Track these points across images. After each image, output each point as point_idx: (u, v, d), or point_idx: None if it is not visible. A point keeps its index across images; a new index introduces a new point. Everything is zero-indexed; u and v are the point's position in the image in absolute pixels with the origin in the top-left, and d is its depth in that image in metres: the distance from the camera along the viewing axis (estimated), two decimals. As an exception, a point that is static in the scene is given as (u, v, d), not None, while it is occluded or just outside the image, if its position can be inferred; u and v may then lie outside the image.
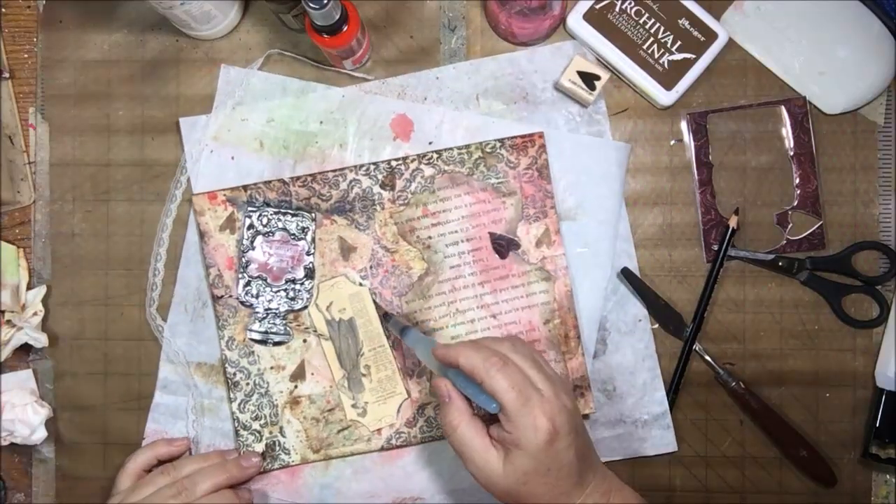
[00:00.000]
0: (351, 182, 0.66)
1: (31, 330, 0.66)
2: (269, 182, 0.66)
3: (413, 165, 0.66)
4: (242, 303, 0.66)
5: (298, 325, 0.66)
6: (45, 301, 0.68)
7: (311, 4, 0.56)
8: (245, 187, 0.66)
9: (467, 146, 0.66)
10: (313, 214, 0.66)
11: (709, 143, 0.68)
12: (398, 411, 0.66)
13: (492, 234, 0.66)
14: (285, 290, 0.66)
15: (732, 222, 0.66)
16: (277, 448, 0.66)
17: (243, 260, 0.66)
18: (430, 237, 0.66)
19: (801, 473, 0.67)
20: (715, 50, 0.66)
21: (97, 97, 0.69)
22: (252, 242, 0.65)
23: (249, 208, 0.66)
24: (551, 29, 0.66)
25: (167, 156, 0.68)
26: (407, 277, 0.66)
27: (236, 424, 0.66)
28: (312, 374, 0.66)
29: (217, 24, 0.66)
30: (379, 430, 0.66)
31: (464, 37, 0.68)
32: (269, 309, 0.66)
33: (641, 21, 0.66)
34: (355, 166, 0.66)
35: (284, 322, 0.66)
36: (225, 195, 0.66)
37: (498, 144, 0.66)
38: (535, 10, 0.64)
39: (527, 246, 0.66)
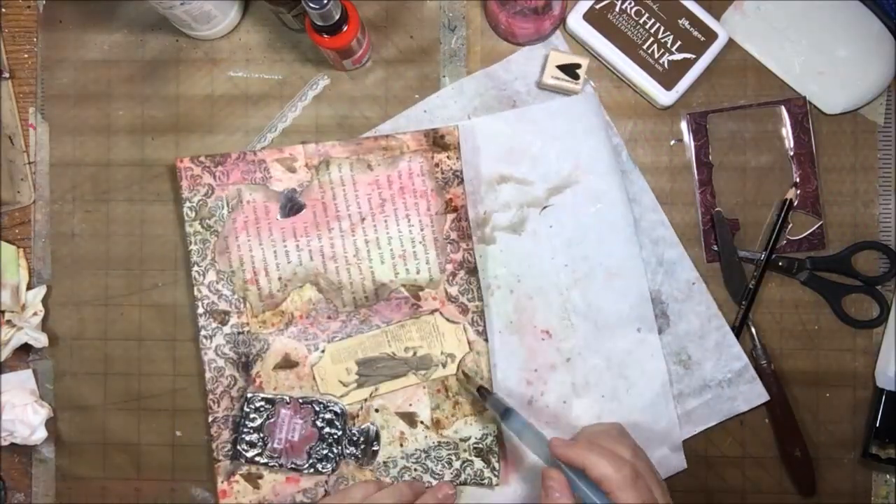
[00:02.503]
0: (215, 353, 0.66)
1: (31, 330, 0.66)
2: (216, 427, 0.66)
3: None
4: (342, 458, 0.65)
5: (361, 419, 0.66)
6: (45, 301, 0.68)
7: (311, 4, 0.56)
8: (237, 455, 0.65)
9: None
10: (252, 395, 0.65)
11: (709, 143, 0.68)
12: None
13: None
14: (324, 439, 0.65)
15: (790, 194, 0.66)
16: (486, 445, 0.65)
17: (289, 463, 0.65)
18: (270, 283, 0.66)
19: (787, 474, 0.67)
20: (715, 50, 0.66)
21: (97, 97, 0.69)
22: (274, 459, 0.65)
23: (238, 462, 0.65)
24: (552, 29, 0.66)
25: (167, 156, 0.68)
26: (327, 310, 0.66)
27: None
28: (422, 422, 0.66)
29: (217, 24, 0.66)
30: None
31: (464, 37, 0.68)
32: (342, 451, 0.65)
33: (641, 21, 0.66)
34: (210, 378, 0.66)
35: (362, 437, 0.65)
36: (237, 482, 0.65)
37: None
38: (536, 10, 0.64)
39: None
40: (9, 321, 0.66)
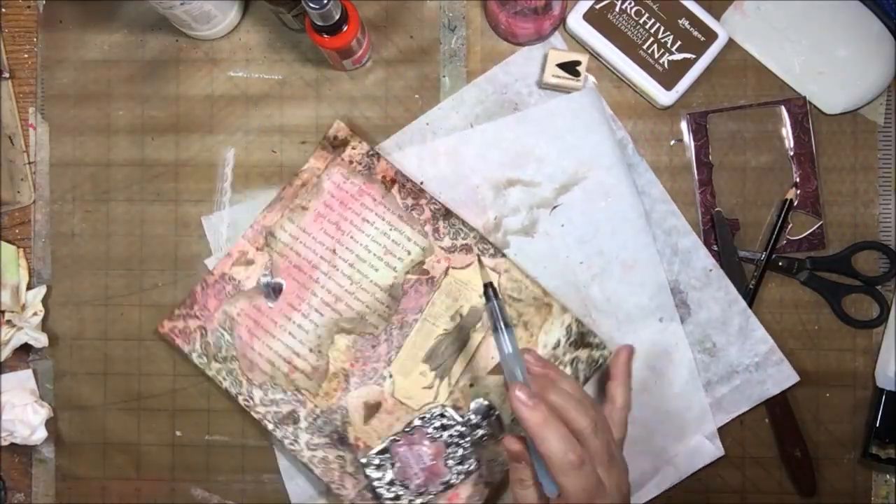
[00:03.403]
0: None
1: (31, 330, 0.66)
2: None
3: None
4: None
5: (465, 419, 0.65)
6: (45, 301, 0.68)
7: (311, 4, 0.56)
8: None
9: None
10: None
11: (709, 143, 0.68)
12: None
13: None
14: (451, 443, 0.64)
15: (790, 194, 0.66)
16: None
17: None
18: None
19: (787, 474, 0.67)
20: (715, 50, 0.66)
21: (97, 97, 0.69)
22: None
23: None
24: (552, 29, 0.66)
25: (167, 156, 0.68)
26: (367, 342, 0.65)
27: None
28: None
29: (217, 24, 0.66)
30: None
31: (464, 37, 0.68)
32: (472, 440, 0.64)
33: (641, 21, 0.66)
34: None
35: (479, 415, 0.64)
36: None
37: None
38: (536, 10, 0.64)
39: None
40: (9, 321, 0.66)
